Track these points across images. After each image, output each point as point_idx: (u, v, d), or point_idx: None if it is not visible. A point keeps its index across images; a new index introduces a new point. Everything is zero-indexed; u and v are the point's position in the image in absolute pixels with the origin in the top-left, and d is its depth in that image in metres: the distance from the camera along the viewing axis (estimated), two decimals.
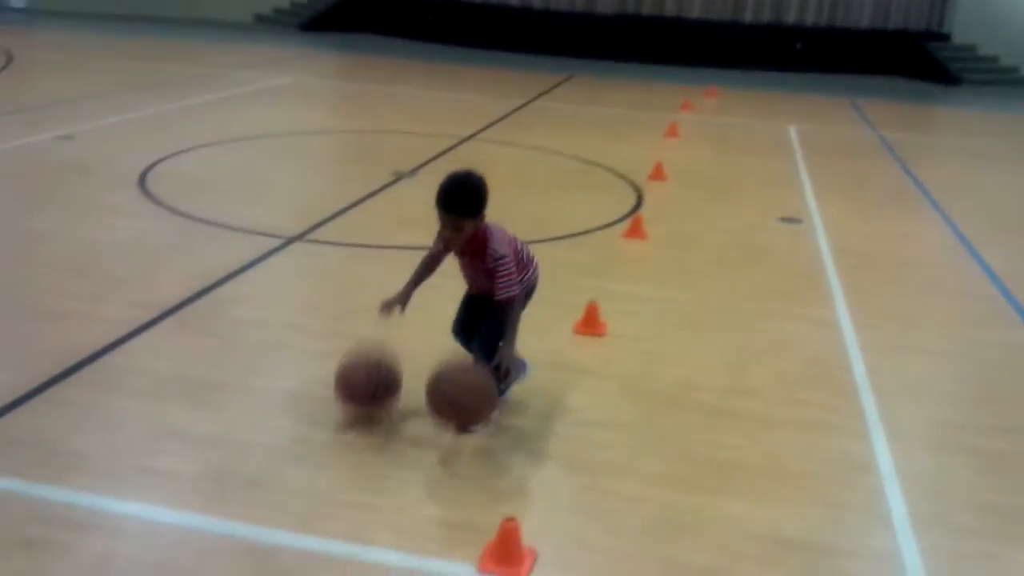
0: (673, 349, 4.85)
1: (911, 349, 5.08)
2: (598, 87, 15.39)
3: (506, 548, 2.98)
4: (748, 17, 19.40)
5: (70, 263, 5.52)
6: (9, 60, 13.46)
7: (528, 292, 3.96)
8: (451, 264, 3.96)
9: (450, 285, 4.08)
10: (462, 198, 3.63)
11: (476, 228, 3.68)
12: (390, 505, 3.31)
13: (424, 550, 3.08)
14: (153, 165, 7.88)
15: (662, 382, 4.45)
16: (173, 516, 3.17)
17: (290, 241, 6.16)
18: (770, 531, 3.30)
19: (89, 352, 4.33)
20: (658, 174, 8.66)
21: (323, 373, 4.25)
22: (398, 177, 8.02)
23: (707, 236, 6.96)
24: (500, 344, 3.73)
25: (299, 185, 7.92)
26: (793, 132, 11.88)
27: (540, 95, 13.80)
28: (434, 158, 8.85)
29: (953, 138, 13.18)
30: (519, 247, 3.90)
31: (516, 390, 4.14)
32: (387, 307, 3.83)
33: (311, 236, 6.31)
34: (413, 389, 3.69)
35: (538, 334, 4.71)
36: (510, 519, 3.01)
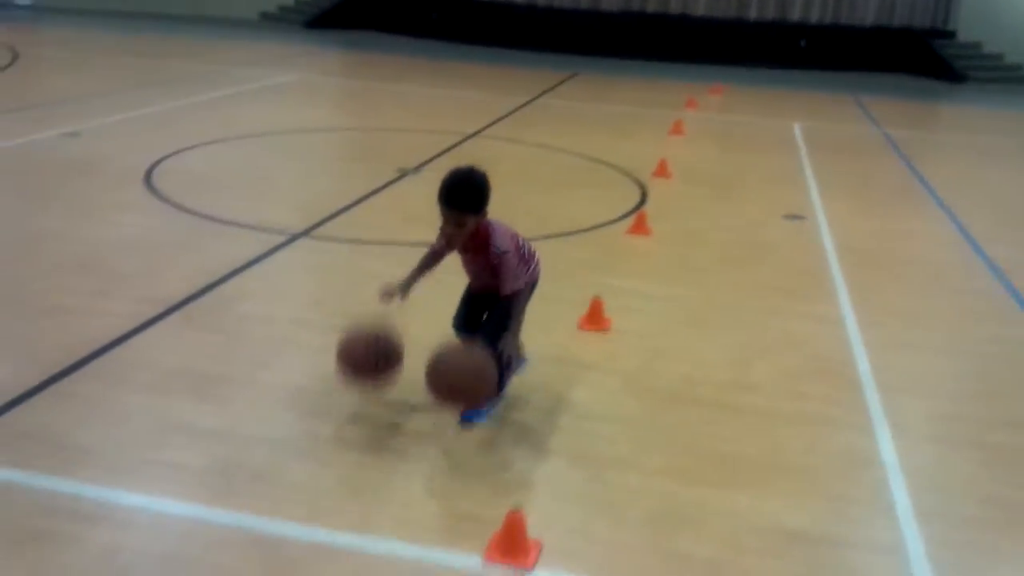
0: (677, 345, 4.87)
1: (915, 345, 5.09)
2: (603, 84, 15.40)
3: (512, 539, 3.00)
4: (753, 14, 19.42)
5: (76, 259, 5.55)
6: (15, 57, 13.50)
7: (531, 287, 3.97)
8: (453, 260, 3.98)
9: (452, 281, 4.09)
10: (464, 194, 3.63)
11: (478, 224, 3.69)
12: (396, 497, 3.33)
13: (430, 542, 3.10)
14: (159, 162, 7.91)
15: (666, 377, 4.46)
16: (180, 508, 3.20)
17: (295, 237, 6.18)
18: (774, 524, 3.32)
19: (96, 347, 4.36)
20: (663, 171, 8.66)
21: (328, 368, 4.26)
22: (402, 174, 8.05)
23: (711, 233, 6.97)
24: (503, 333, 3.74)
25: (304, 182, 7.95)
26: (798, 129, 11.88)
27: (544, 92, 13.81)
28: (438, 155, 8.87)
29: (958, 135, 13.17)
30: (520, 243, 3.90)
31: (520, 384, 4.16)
32: (388, 294, 3.83)
33: (316, 232, 6.33)
34: (416, 380, 3.69)
35: (543, 329, 4.73)
36: (516, 511, 3.02)
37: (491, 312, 3.90)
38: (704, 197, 8.11)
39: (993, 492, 3.65)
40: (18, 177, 7.33)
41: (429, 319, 4.14)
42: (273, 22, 21.68)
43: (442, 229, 3.77)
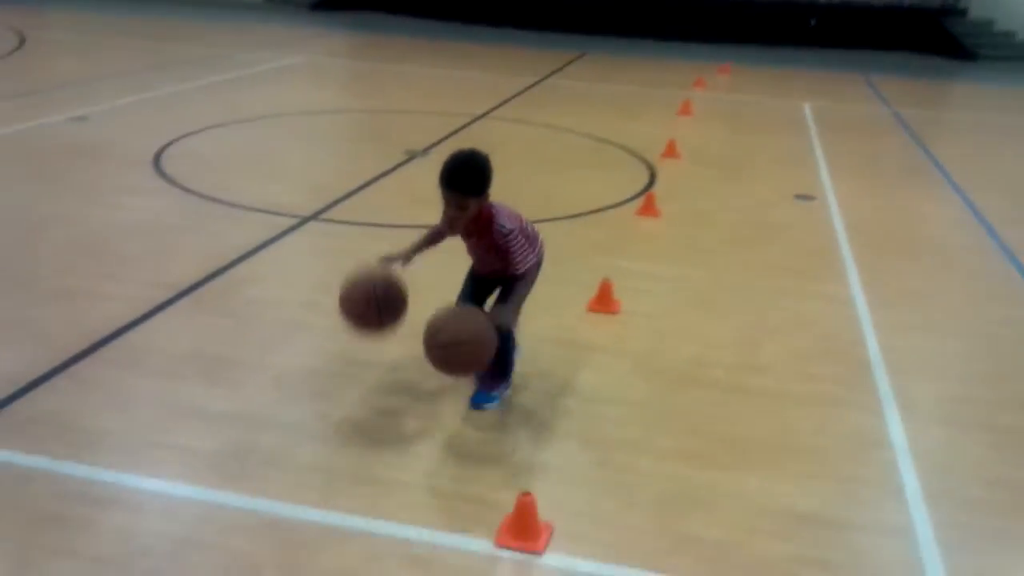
0: (686, 327, 4.86)
1: (925, 326, 5.08)
2: (611, 65, 15.32)
3: (523, 523, 3.01)
4: None
5: (85, 243, 5.56)
6: (22, 41, 13.49)
7: (537, 267, 3.93)
8: (458, 240, 3.95)
9: (457, 263, 4.07)
10: (467, 177, 3.59)
11: (480, 207, 3.65)
12: (407, 481, 3.35)
13: (441, 525, 3.11)
14: (167, 145, 7.92)
15: (675, 359, 4.46)
16: (193, 492, 3.22)
17: (304, 220, 6.18)
18: (784, 506, 3.33)
19: (107, 331, 4.38)
20: (671, 152, 8.63)
21: (339, 350, 4.30)
22: (411, 156, 8.04)
23: (720, 214, 6.95)
24: (503, 305, 3.69)
25: (312, 165, 7.95)
26: (807, 109, 11.81)
27: (552, 73, 13.75)
28: (446, 137, 8.86)
29: (969, 114, 13.08)
30: (525, 223, 3.86)
31: (530, 368, 4.17)
32: (388, 260, 3.79)
33: (325, 215, 6.33)
34: (426, 363, 3.66)
35: (552, 312, 4.74)
36: (526, 494, 3.04)
37: (502, 291, 3.87)
38: (713, 178, 8.08)
39: (1002, 474, 3.65)
40: (26, 161, 7.34)
41: (433, 301, 4.14)
42: (279, 4, 21.60)
43: (444, 212, 3.73)
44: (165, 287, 4.92)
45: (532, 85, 12.51)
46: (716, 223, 6.72)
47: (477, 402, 3.89)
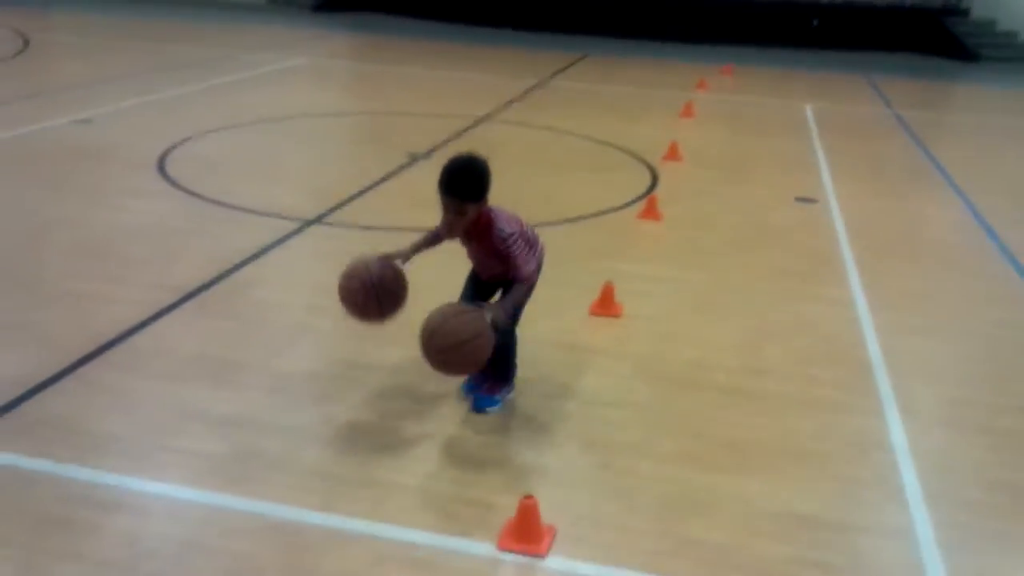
0: (688, 330, 4.88)
1: (926, 328, 5.10)
2: (613, 66, 15.34)
3: (525, 526, 3.03)
4: None
5: (91, 246, 5.59)
6: (26, 43, 13.53)
7: (537, 270, 3.94)
8: (457, 242, 3.95)
9: (458, 265, 4.10)
10: (465, 182, 3.59)
11: (479, 211, 3.65)
12: (410, 484, 3.37)
13: (444, 528, 3.13)
14: (171, 148, 7.95)
15: (677, 362, 4.48)
16: (198, 495, 3.24)
17: (308, 224, 6.21)
18: (785, 508, 3.35)
19: (112, 334, 4.40)
20: (673, 154, 8.65)
21: (343, 353, 4.33)
22: (413, 159, 8.06)
23: (722, 217, 6.96)
24: (499, 303, 3.69)
25: (316, 167, 7.97)
26: (809, 111, 11.82)
27: (554, 75, 13.77)
28: (449, 139, 8.88)
29: (971, 116, 13.09)
30: (524, 227, 3.84)
31: (532, 371, 4.18)
32: (387, 258, 3.79)
33: (328, 219, 6.36)
34: (428, 368, 3.68)
35: (553, 315, 4.76)
36: (528, 497, 3.06)
37: (503, 295, 3.87)
38: (715, 180, 8.09)
39: (1002, 476, 3.67)
40: (31, 164, 7.37)
41: (433, 302, 4.16)
42: (281, 6, 21.64)
43: (443, 218, 3.72)
44: (170, 290, 4.94)
45: (534, 87, 12.53)
46: (717, 226, 6.74)
47: (479, 405, 3.91)
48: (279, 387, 4.03)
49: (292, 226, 6.11)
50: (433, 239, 3.89)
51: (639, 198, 7.25)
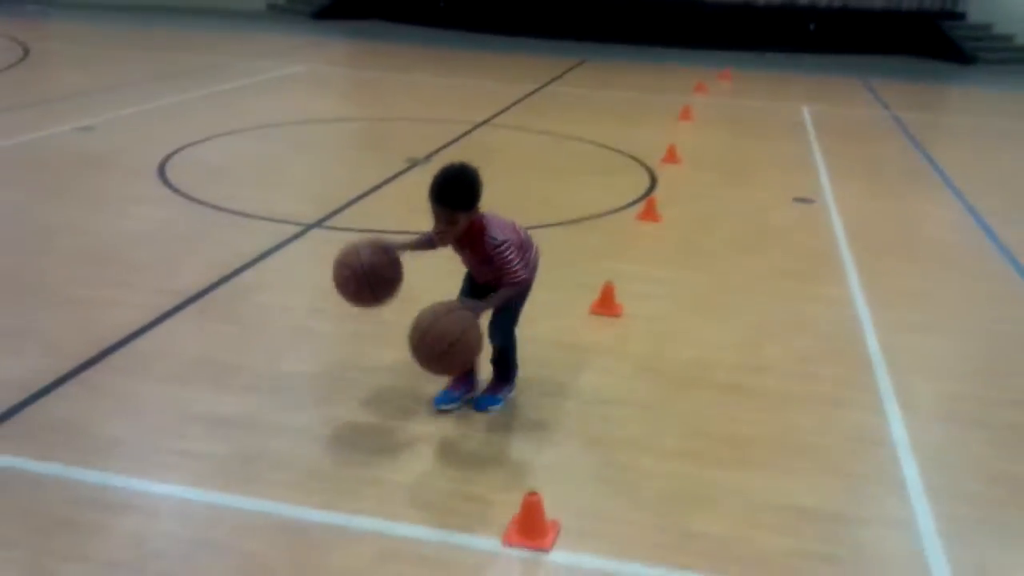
0: (688, 329, 4.91)
1: (924, 325, 5.13)
2: (611, 71, 15.39)
3: (530, 521, 3.06)
4: None
5: (93, 252, 5.62)
6: (26, 52, 13.58)
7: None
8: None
9: (452, 265, 4.12)
10: (455, 192, 3.59)
11: (471, 220, 3.66)
12: (415, 482, 3.40)
13: (449, 525, 3.15)
14: (172, 155, 7.98)
15: (677, 361, 4.51)
16: (204, 496, 3.26)
17: (308, 228, 6.24)
18: (786, 501, 3.37)
19: (116, 339, 4.43)
20: (672, 157, 8.69)
21: (344, 355, 4.36)
22: (412, 164, 8.09)
23: (721, 218, 6.99)
24: (485, 300, 3.71)
25: (315, 173, 8.01)
26: (807, 113, 11.87)
27: (553, 80, 13.82)
28: (447, 144, 8.91)
29: (968, 118, 13.13)
30: (517, 233, 3.84)
31: (533, 370, 4.21)
32: (378, 243, 3.80)
33: (328, 223, 6.39)
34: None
35: (554, 315, 4.79)
36: (533, 493, 3.08)
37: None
38: (714, 182, 8.13)
39: (1001, 469, 3.70)
40: (33, 171, 7.40)
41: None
42: (280, 13, 21.72)
43: (434, 227, 3.71)
44: (172, 294, 4.97)
45: (532, 92, 12.57)
46: (717, 227, 6.77)
47: (482, 405, 3.94)
48: (281, 389, 4.06)
49: (292, 231, 6.14)
50: (424, 243, 3.91)
51: (638, 200, 7.28)
